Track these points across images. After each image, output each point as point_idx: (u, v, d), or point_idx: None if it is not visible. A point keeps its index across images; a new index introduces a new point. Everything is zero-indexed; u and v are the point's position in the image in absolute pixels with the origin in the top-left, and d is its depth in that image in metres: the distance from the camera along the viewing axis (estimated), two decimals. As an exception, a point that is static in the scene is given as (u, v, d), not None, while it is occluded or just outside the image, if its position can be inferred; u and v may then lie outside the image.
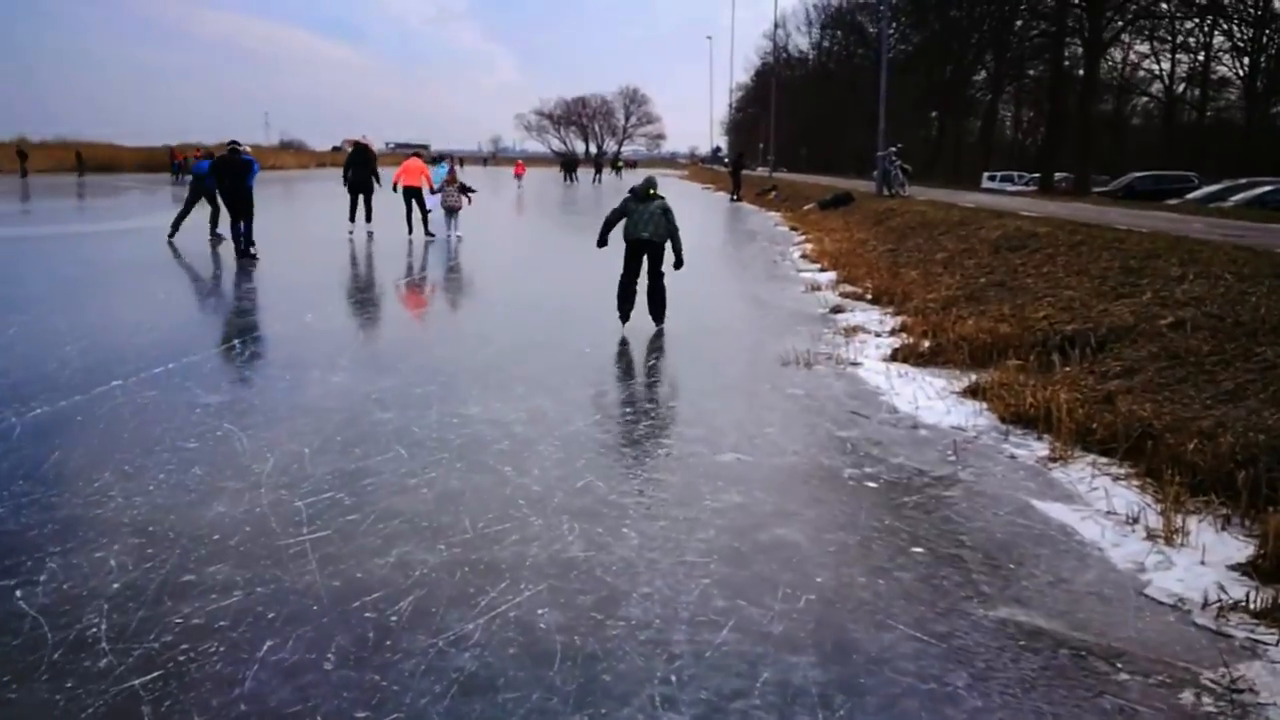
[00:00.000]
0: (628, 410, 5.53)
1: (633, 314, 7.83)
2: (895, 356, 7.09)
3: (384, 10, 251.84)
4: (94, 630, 2.83)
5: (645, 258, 7.52)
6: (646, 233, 7.42)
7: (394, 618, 2.95)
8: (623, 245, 7.71)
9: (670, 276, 7.79)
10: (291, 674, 2.63)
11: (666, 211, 7.60)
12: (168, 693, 2.53)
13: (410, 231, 16.19)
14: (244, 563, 3.31)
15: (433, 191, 16.22)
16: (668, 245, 7.65)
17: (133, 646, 2.74)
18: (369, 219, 16.47)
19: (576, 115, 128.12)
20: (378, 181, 16.84)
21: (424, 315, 9.69)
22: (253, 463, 4.36)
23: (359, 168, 16.72)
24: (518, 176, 46.29)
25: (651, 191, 7.61)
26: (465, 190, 16.01)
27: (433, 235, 16.01)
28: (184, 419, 5.05)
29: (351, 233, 16.10)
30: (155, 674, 2.61)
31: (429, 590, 3.14)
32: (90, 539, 3.50)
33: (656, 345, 7.78)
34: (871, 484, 4.34)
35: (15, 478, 4.12)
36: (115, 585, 3.12)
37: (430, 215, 16.33)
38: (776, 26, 72.71)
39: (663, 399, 5.84)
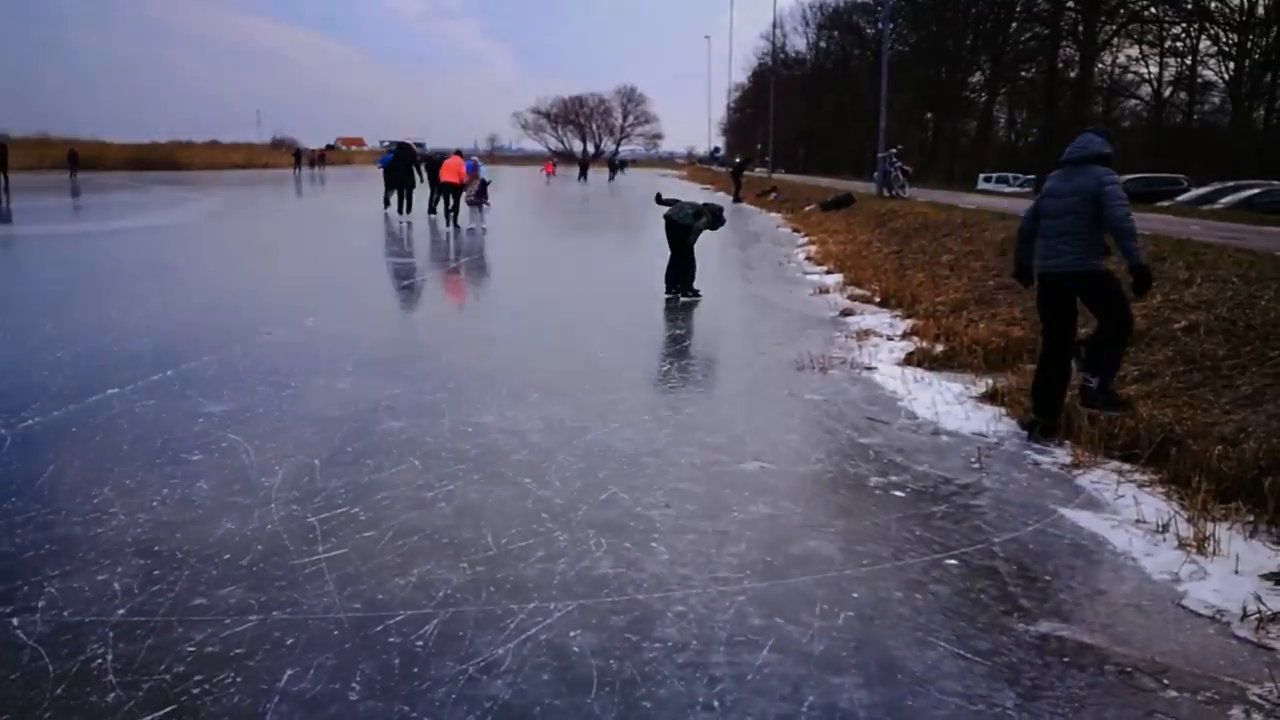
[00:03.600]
0: (645, 417, 5.39)
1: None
2: (909, 360, 7.00)
3: (378, 7, 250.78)
4: (99, 661, 2.68)
5: (673, 236, 9.96)
6: (669, 213, 9.97)
7: (420, 642, 2.82)
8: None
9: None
10: (315, 706, 2.49)
11: (695, 208, 10.13)
12: (185, 727, 2.40)
13: (446, 223, 18.18)
14: (258, 584, 3.17)
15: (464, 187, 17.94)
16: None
17: (142, 679, 2.59)
18: (409, 209, 19.53)
19: (574, 114, 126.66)
20: (420, 176, 19.92)
21: (433, 316, 9.52)
22: (261, 476, 4.21)
23: (403, 164, 19.69)
24: (548, 175, 55.98)
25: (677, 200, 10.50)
26: (483, 192, 17.54)
27: (459, 227, 17.73)
28: (185, 429, 4.89)
29: (401, 220, 19.08)
30: (168, 709, 2.47)
31: (454, 612, 3.01)
32: (91, 560, 3.34)
33: (669, 348, 7.68)
34: (898, 493, 4.24)
35: (8, 494, 3.94)
36: (120, 611, 2.97)
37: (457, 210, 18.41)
38: (774, 27, 72.82)
39: (680, 405, 5.71)
